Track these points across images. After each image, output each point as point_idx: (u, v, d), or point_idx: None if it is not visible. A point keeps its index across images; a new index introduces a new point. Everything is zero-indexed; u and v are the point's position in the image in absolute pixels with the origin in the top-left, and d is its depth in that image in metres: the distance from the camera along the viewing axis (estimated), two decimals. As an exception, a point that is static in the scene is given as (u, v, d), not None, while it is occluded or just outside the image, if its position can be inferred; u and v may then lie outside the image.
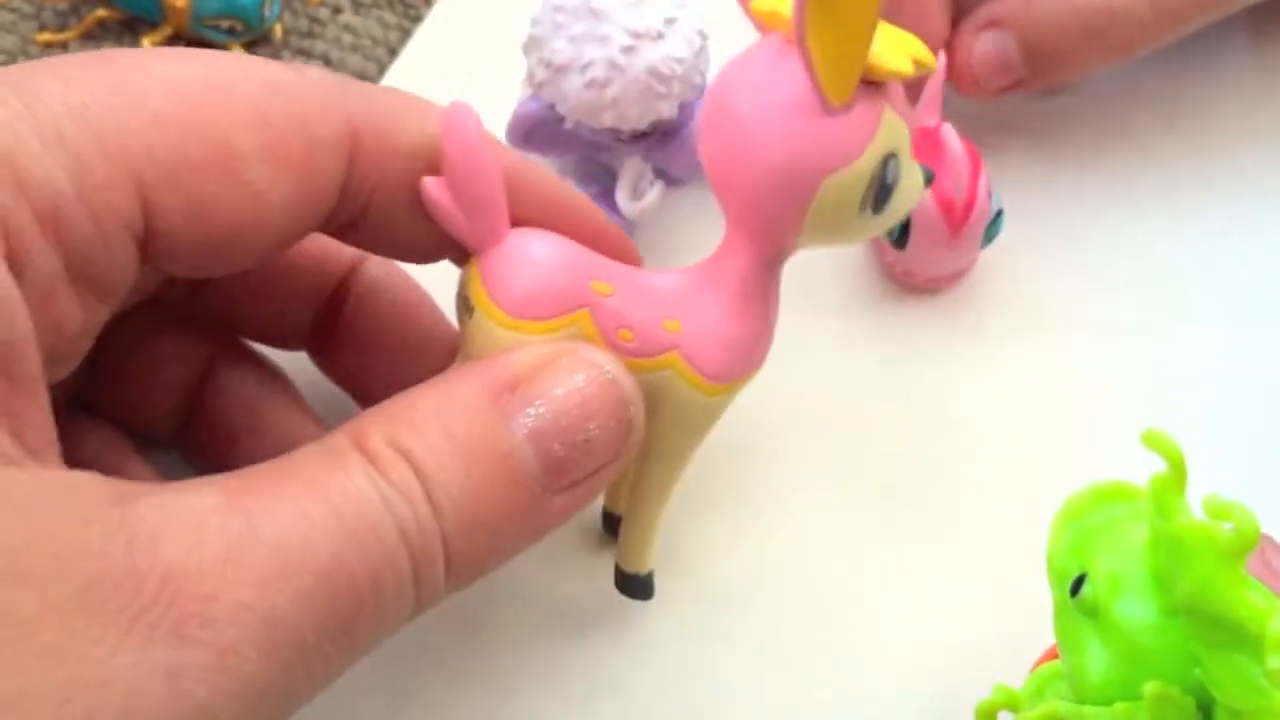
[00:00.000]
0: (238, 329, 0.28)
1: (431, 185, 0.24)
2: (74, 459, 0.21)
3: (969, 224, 0.30)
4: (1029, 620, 0.29)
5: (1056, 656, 0.24)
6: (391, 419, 0.22)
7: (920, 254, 0.31)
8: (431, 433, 0.21)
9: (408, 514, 0.21)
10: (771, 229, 0.23)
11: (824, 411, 0.31)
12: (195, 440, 0.28)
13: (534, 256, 0.24)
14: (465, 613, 0.28)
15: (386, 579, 0.20)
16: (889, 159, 0.22)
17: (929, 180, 0.24)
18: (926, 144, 0.31)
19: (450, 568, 0.21)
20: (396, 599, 0.21)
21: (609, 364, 0.23)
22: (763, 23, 0.23)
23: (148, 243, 0.21)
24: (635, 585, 0.27)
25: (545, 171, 0.26)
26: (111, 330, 0.24)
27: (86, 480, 0.20)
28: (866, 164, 0.22)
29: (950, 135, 0.30)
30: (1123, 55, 0.33)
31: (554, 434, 0.22)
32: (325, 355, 0.29)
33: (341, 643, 0.20)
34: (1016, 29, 0.32)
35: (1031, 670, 0.25)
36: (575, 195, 0.26)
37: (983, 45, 0.32)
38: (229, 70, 0.22)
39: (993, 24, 0.32)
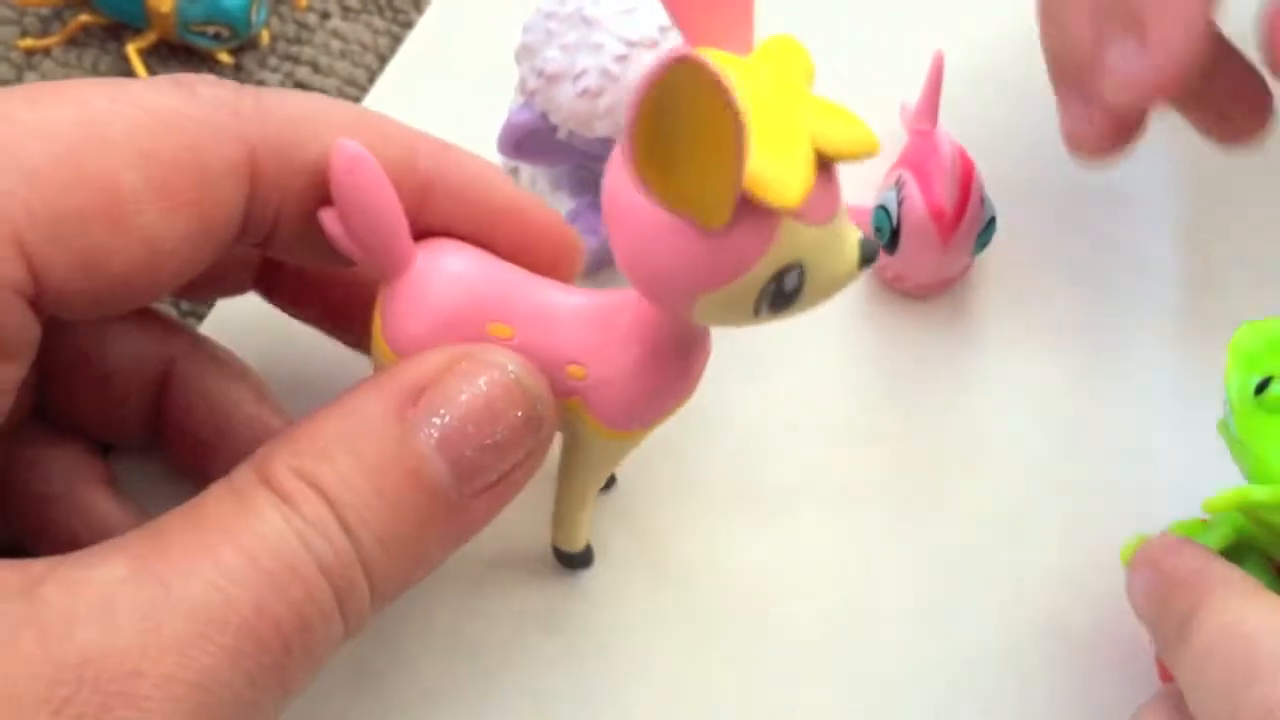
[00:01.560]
0: (180, 290, 0.28)
1: (329, 218, 0.23)
2: (43, 491, 0.20)
3: (960, 230, 0.30)
4: (1026, 625, 0.29)
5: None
6: (296, 448, 0.21)
7: (911, 260, 0.31)
8: (338, 457, 0.21)
9: (325, 547, 0.20)
10: (667, 310, 0.22)
11: (814, 420, 0.31)
12: (168, 443, 0.28)
13: (430, 297, 0.23)
14: (447, 631, 0.28)
15: (312, 617, 0.20)
16: (786, 271, 0.20)
17: (868, 260, 0.21)
18: (920, 149, 0.31)
19: (375, 590, 0.21)
20: (325, 633, 0.21)
21: (511, 363, 0.23)
22: None
23: (39, 299, 0.21)
24: (572, 559, 0.28)
25: (486, 169, 0.25)
26: (65, 341, 0.23)
27: None
28: (752, 282, 0.20)
29: (944, 141, 0.30)
30: None
31: (462, 440, 0.22)
32: (278, 297, 0.29)
33: (275, 688, 0.20)
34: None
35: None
36: (515, 196, 0.25)
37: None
38: (105, 108, 0.21)
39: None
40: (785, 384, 0.31)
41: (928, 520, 0.30)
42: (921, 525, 0.30)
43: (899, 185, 0.30)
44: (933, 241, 0.30)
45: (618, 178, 0.21)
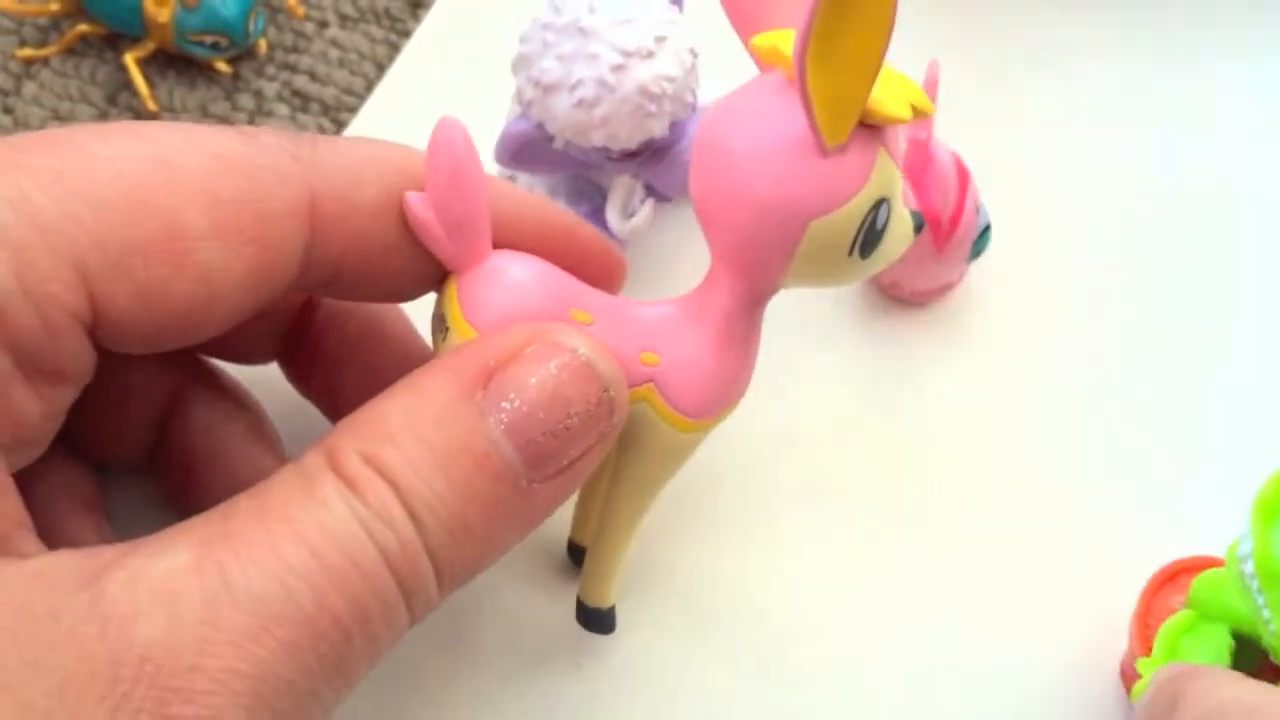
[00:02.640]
0: (203, 347, 0.28)
1: (415, 201, 0.23)
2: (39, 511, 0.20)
3: (955, 238, 0.30)
4: (1021, 639, 0.29)
5: (1152, 618, 0.27)
6: (365, 432, 0.21)
7: (907, 267, 0.31)
8: (406, 442, 0.21)
9: (389, 537, 0.20)
10: (758, 268, 0.23)
11: (809, 427, 0.31)
12: (161, 469, 0.28)
13: (513, 280, 0.23)
14: (444, 634, 0.28)
15: (373, 609, 0.20)
16: (880, 204, 0.22)
17: (919, 227, 0.24)
18: (916, 157, 0.31)
19: (441, 578, 0.21)
20: (387, 624, 0.21)
21: (583, 346, 0.22)
22: (762, 59, 0.23)
23: (97, 328, 0.21)
24: (597, 619, 0.27)
25: (530, 194, 0.26)
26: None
27: (53, 564, 0.19)
28: (857, 208, 0.22)
29: (939, 149, 0.30)
30: None
31: (532, 425, 0.22)
32: (296, 369, 0.29)
33: (334, 678, 0.20)
34: None
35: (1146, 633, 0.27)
36: (561, 216, 0.26)
37: None
38: (176, 147, 0.22)
39: None
40: (783, 390, 0.31)
41: (926, 526, 0.30)
42: (919, 531, 0.30)
43: None
44: (929, 249, 0.30)
45: (725, 117, 0.22)
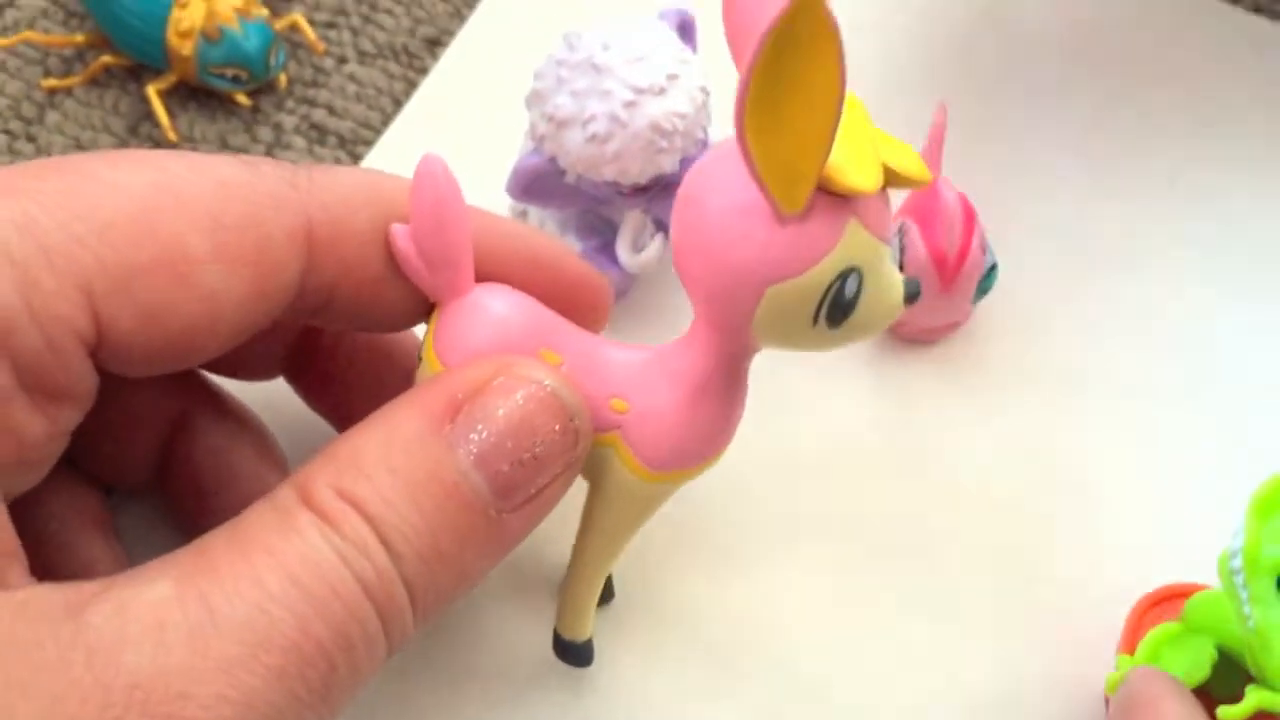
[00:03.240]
0: (208, 365, 0.28)
1: (398, 234, 0.24)
2: (37, 527, 0.20)
3: (961, 276, 0.31)
4: (1019, 669, 0.29)
5: (1142, 626, 0.27)
6: (336, 466, 0.22)
7: (913, 305, 0.31)
8: (377, 475, 0.21)
9: (366, 566, 0.21)
10: (725, 327, 0.23)
11: (814, 462, 0.31)
12: (169, 490, 0.28)
13: (487, 318, 0.24)
14: (441, 666, 0.28)
15: (355, 635, 0.20)
16: (848, 275, 0.21)
17: (912, 297, 0.23)
18: (922, 196, 0.31)
19: (418, 606, 0.22)
20: (368, 651, 0.21)
21: (548, 377, 0.23)
22: None
23: (100, 349, 0.22)
24: (573, 652, 0.27)
25: (518, 225, 0.26)
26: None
27: (38, 596, 0.20)
28: (818, 277, 0.21)
29: (945, 187, 0.31)
30: None
31: (500, 455, 0.22)
32: (305, 385, 0.29)
33: (319, 705, 0.20)
34: None
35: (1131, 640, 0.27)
36: (548, 247, 0.26)
37: None
38: (180, 173, 0.22)
39: None
40: (787, 424, 0.31)
41: (929, 568, 0.30)
42: (922, 572, 0.30)
43: (902, 232, 0.31)
44: (934, 287, 0.31)
45: (699, 173, 0.22)
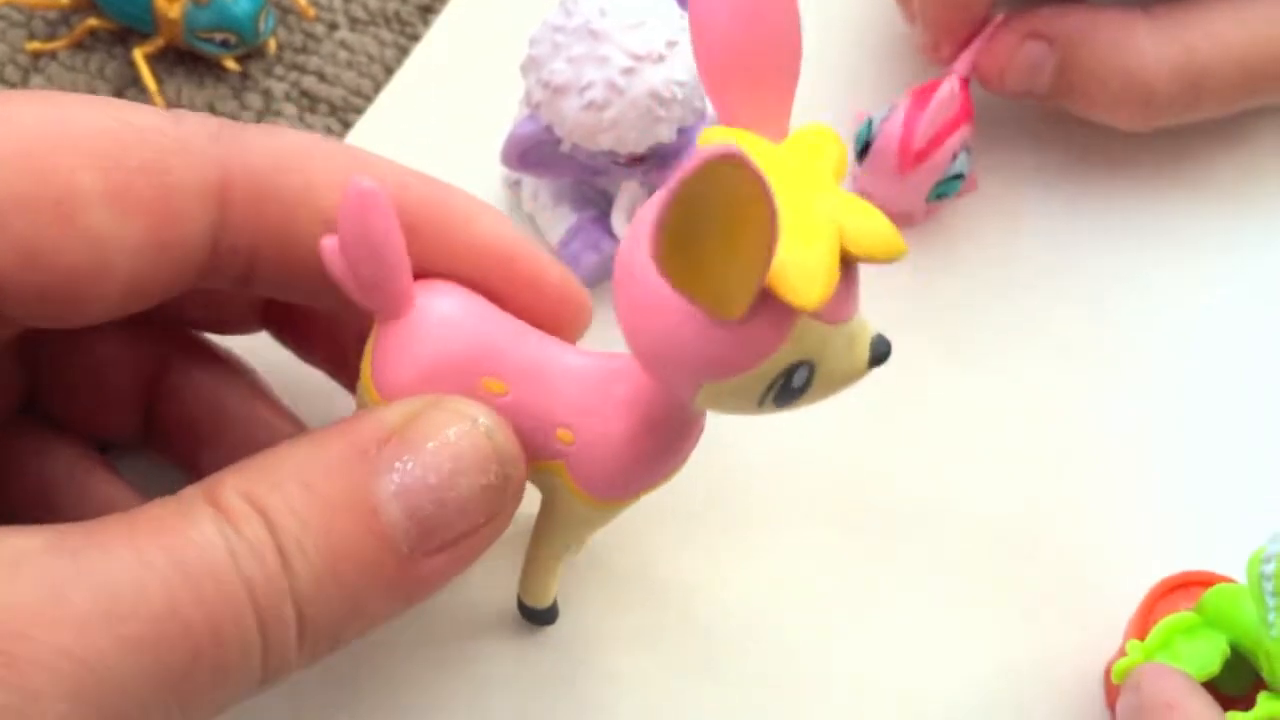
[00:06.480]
0: (186, 322, 0.27)
1: (329, 249, 0.22)
2: (43, 480, 0.20)
3: (919, 168, 0.31)
4: (1019, 655, 0.29)
5: (1153, 614, 0.27)
6: (250, 475, 0.21)
7: (872, 178, 0.32)
8: (291, 488, 0.20)
9: (255, 568, 0.20)
10: (668, 390, 0.22)
11: (808, 442, 0.31)
12: (163, 441, 0.27)
13: (424, 345, 0.23)
14: (426, 643, 0.28)
15: (227, 633, 0.19)
16: (796, 368, 0.20)
17: (878, 360, 0.21)
18: (933, 85, 0.31)
19: (303, 630, 0.20)
20: (240, 658, 0.20)
21: (483, 416, 0.22)
22: None
23: None
24: (537, 614, 0.27)
25: (498, 231, 0.24)
26: (58, 340, 0.23)
27: None
28: (761, 375, 0.20)
29: (952, 83, 0.31)
30: (1143, 126, 0.33)
31: (423, 491, 0.21)
32: (291, 336, 0.28)
33: (170, 696, 0.19)
34: (1061, 56, 0.32)
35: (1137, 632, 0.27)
36: (512, 244, 0.24)
37: (1025, 53, 0.32)
38: (80, 112, 0.21)
39: (1041, 38, 0.32)
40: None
41: (922, 546, 0.30)
42: (915, 551, 0.30)
43: (893, 106, 0.31)
44: (891, 167, 0.31)
45: (634, 251, 0.20)
